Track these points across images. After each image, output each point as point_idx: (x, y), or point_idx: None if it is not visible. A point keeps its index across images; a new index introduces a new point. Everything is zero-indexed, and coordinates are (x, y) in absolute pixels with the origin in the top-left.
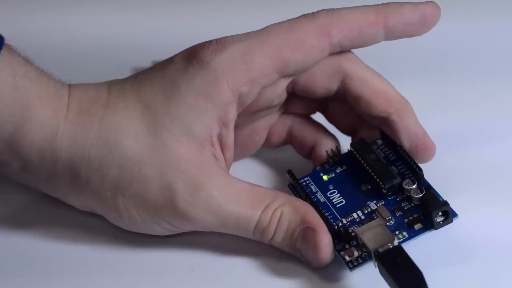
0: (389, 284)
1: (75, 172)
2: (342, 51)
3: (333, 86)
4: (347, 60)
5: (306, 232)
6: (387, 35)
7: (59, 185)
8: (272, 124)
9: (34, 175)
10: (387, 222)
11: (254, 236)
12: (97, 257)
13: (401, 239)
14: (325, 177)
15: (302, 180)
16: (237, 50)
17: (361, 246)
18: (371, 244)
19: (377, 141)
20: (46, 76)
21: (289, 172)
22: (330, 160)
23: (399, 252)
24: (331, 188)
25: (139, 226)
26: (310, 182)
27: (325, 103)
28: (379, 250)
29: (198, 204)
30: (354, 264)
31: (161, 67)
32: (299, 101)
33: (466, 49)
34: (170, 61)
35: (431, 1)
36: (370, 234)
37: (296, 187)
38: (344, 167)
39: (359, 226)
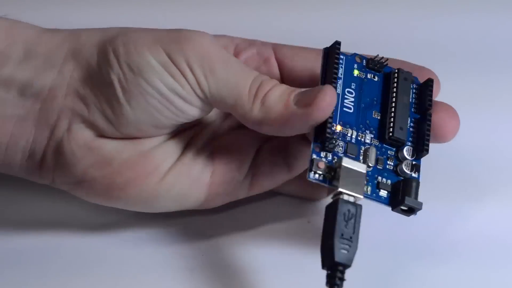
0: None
1: (75, 38)
2: None
3: None
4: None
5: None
6: None
7: (55, 61)
8: None
9: (35, 63)
10: (367, 166)
11: (248, 98)
12: (97, 256)
13: None
14: (356, 72)
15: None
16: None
17: (331, 167)
18: (342, 183)
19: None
20: None
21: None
22: (372, 61)
23: (357, 211)
24: (353, 87)
25: (138, 79)
26: (342, 63)
27: None
28: (342, 192)
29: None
30: (315, 177)
31: None
32: None
33: (461, 44)
34: None
35: None
36: (349, 173)
37: (329, 55)
38: (376, 79)
39: (346, 146)
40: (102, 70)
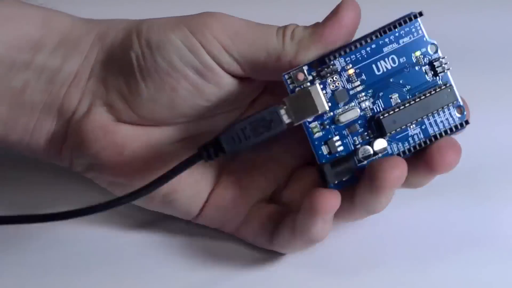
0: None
1: (105, 24)
2: None
3: None
4: None
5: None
6: None
7: (83, 47)
8: None
9: (66, 50)
10: (335, 121)
11: (277, 41)
12: (96, 254)
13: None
14: (417, 53)
15: None
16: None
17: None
18: (291, 98)
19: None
20: None
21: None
22: (438, 61)
23: (276, 128)
24: (401, 60)
25: (155, 56)
26: (412, 34)
27: None
28: (284, 105)
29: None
30: (285, 77)
31: None
32: None
33: (462, 43)
34: None
35: None
36: (307, 98)
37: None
38: (429, 77)
39: (337, 89)
40: (123, 50)
